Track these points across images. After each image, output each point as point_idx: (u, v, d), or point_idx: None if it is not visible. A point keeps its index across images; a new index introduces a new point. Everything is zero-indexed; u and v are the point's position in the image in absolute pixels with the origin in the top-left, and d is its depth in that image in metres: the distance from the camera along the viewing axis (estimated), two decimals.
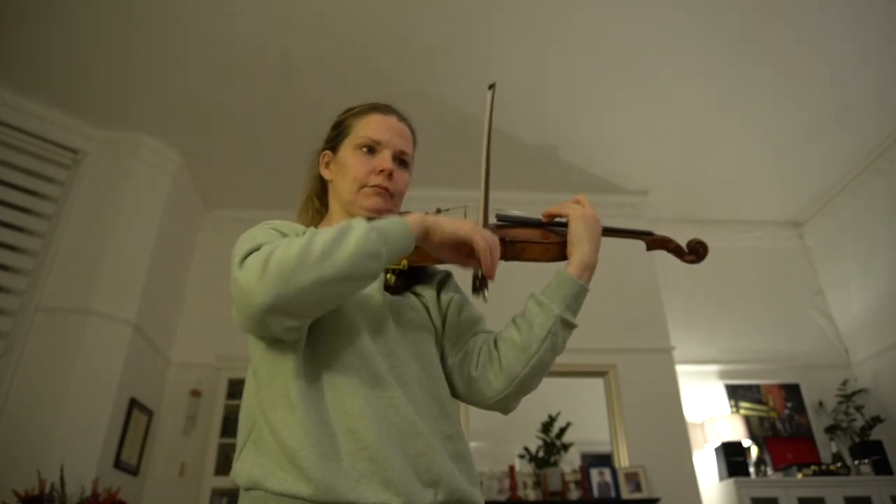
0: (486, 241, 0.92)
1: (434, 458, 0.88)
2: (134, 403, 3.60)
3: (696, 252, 1.13)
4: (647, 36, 3.39)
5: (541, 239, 1.06)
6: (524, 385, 0.99)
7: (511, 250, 1.05)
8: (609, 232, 1.11)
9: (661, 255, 1.19)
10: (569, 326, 0.99)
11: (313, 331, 0.91)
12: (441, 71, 3.59)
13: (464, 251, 0.94)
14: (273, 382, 0.88)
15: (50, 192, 3.70)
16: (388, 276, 1.05)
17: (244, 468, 0.86)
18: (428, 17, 3.24)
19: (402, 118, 1.15)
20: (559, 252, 1.06)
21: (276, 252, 0.80)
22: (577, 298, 1.00)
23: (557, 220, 1.08)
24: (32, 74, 3.50)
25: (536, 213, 1.12)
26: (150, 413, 3.81)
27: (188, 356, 4.20)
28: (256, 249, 0.83)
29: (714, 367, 4.52)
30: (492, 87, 1.11)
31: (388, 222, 0.87)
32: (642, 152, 4.32)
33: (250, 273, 0.79)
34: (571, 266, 1.01)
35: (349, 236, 0.82)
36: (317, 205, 1.19)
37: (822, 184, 4.66)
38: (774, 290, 4.84)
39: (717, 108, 3.92)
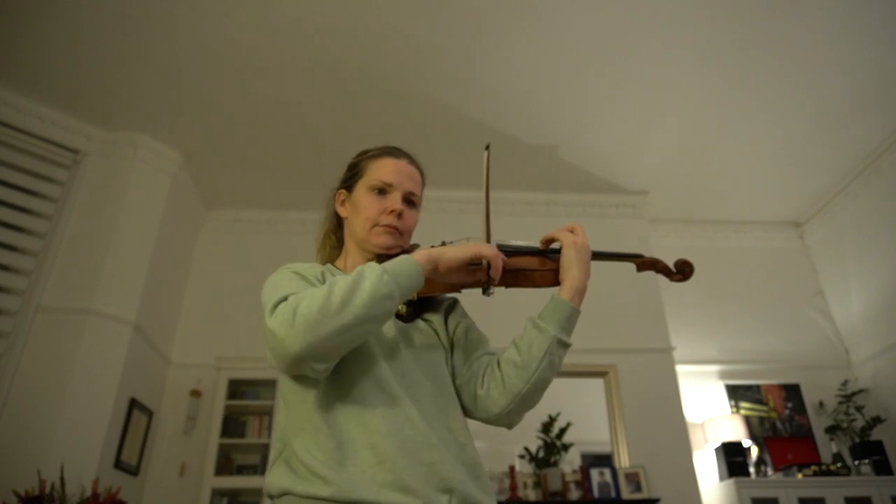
0: (492, 249, 1.03)
1: (448, 466, 0.96)
2: (134, 403, 3.60)
3: (682, 272, 1.20)
4: (647, 36, 3.39)
5: (538, 266, 1.13)
6: (526, 401, 1.07)
7: (512, 278, 1.11)
8: (599, 256, 1.17)
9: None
10: (564, 346, 1.07)
11: None
12: (441, 72, 3.59)
13: (470, 269, 1.04)
14: (300, 409, 0.99)
15: (50, 192, 3.70)
16: (400, 306, 1.11)
17: (276, 480, 0.97)
18: (428, 18, 3.24)
19: (412, 161, 1.24)
20: (555, 278, 1.13)
21: (302, 305, 0.89)
22: (570, 320, 1.08)
23: (552, 245, 1.15)
24: (32, 74, 3.50)
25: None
26: (150, 413, 3.81)
27: (188, 356, 4.19)
28: (284, 300, 0.93)
29: (714, 367, 4.53)
30: (487, 147, 1.17)
31: (398, 263, 0.96)
32: (642, 152, 4.32)
33: (282, 325, 0.88)
34: (564, 291, 1.09)
35: (363, 283, 0.91)
36: (333, 241, 1.28)
37: (822, 184, 4.66)
38: (774, 290, 4.84)
39: (717, 108, 3.92)
